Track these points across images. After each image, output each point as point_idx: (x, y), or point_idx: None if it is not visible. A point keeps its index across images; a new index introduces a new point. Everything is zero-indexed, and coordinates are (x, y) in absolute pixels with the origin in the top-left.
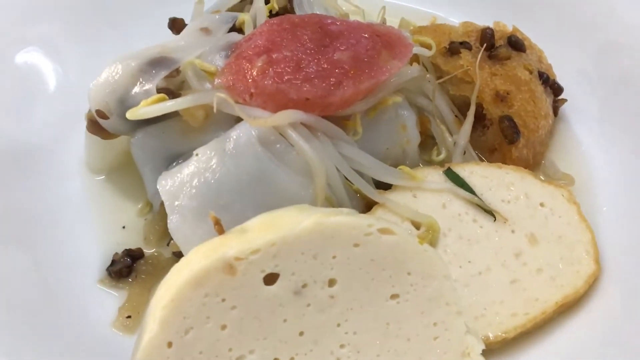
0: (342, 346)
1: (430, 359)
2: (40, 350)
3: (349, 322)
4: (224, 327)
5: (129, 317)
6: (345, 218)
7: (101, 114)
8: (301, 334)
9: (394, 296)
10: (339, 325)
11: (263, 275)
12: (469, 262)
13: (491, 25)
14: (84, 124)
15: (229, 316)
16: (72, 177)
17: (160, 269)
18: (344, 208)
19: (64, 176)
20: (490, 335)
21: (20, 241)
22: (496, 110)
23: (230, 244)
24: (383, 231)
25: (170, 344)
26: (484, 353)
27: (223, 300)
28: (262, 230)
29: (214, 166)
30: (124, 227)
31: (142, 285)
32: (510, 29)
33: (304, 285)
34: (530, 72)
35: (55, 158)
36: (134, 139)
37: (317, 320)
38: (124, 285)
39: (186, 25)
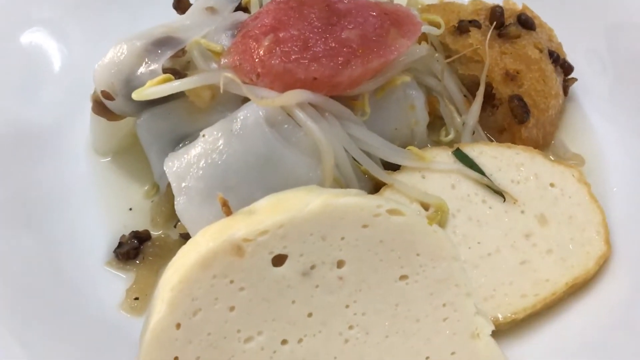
0: (350, 327)
1: (439, 340)
2: (49, 331)
3: (358, 303)
4: (232, 308)
5: (136, 298)
6: (354, 199)
7: (107, 94)
8: (310, 315)
9: (403, 277)
10: (347, 306)
11: (271, 256)
12: (479, 243)
13: (501, 4)
14: (89, 105)
15: (237, 298)
16: (78, 159)
17: (168, 250)
18: (352, 189)
19: (70, 158)
20: (500, 316)
21: (28, 223)
22: (506, 89)
23: (238, 226)
24: (392, 212)
25: (178, 325)
26: (494, 334)
27: (231, 281)
28: (270, 212)
29: (221, 147)
30: (130, 209)
31: (150, 267)
32: (520, 7)
33: (313, 267)
34: (541, 51)
35: (61, 140)
36: (140, 120)
37: (326, 301)
38: (132, 267)
39: (191, 5)
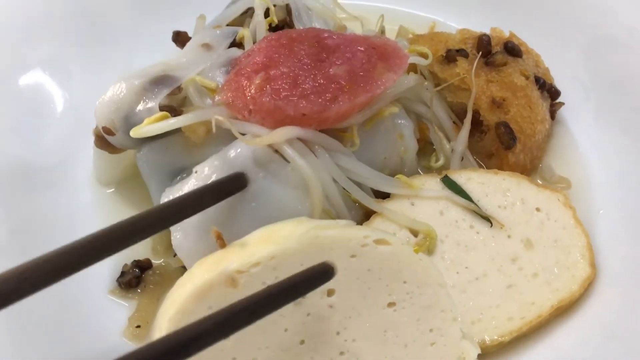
0: (341, 353)
1: None
2: (53, 357)
3: (348, 330)
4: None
5: (138, 326)
6: (342, 230)
7: (107, 130)
8: (302, 342)
9: (390, 304)
10: (338, 333)
11: (264, 287)
12: (466, 267)
13: (488, 32)
14: (91, 139)
15: None
16: (82, 191)
17: (168, 278)
18: (341, 220)
19: (75, 190)
20: (487, 339)
21: (33, 254)
22: (492, 116)
23: (232, 258)
24: (379, 242)
25: None
26: (481, 357)
27: None
28: (261, 244)
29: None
30: None
31: (151, 295)
32: (507, 34)
33: (304, 296)
34: (527, 78)
35: (65, 173)
36: (140, 153)
37: (317, 328)
38: (133, 295)
39: (189, 38)
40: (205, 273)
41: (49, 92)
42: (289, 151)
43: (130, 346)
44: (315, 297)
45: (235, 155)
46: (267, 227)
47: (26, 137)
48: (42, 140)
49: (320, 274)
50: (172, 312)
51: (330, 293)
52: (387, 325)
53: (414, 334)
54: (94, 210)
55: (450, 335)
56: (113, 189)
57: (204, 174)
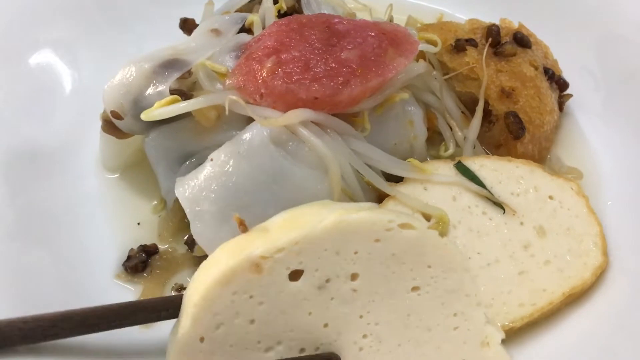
0: (364, 336)
1: (450, 348)
2: (60, 341)
3: (371, 313)
4: (252, 321)
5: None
6: (366, 214)
7: (116, 114)
8: (325, 325)
9: (414, 288)
10: (361, 316)
11: (288, 272)
12: (478, 253)
13: (497, 22)
14: (99, 124)
15: (256, 311)
16: (88, 176)
17: (174, 264)
18: (365, 203)
19: (81, 175)
20: (498, 324)
21: (40, 238)
22: (502, 106)
23: (256, 244)
24: (403, 226)
25: (202, 339)
26: None
27: (251, 297)
28: (285, 229)
29: (230, 169)
30: (138, 224)
31: (157, 280)
32: (516, 25)
33: (328, 280)
34: (536, 68)
35: (71, 158)
36: (148, 138)
37: (341, 312)
38: (140, 279)
39: (197, 25)
40: (230, 259)
41: (58, 75)
42: (304, 132)
43: (136, 330)
44: (339, 282)
45: (252, 138)
46: (289, 211)
47: (34, 120)
48: (49, 124)
49: None
50: (197, 298)
51: (354, 277)
52: (410, 309)
53: (437, 318)
54: (100, 195)
55: (474, 320)
56: (119, 175)
57: (220, 160)
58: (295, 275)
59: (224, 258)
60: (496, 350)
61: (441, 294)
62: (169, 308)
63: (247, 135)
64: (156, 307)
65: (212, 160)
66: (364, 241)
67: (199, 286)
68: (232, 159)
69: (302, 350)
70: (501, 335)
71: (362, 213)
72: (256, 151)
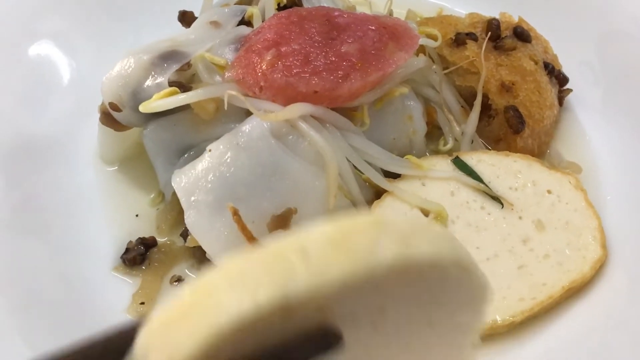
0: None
1: None
2: (57, 335)
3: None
4: None
5: (142, 303)
6: (431, 251)
7: (114, 106)
8: None
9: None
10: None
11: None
12: (477, 248)
13: (497, 16)
14: (96, 116)
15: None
16: (85, 168)
17: (172, 256)
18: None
19: (78, 167)
20: (498, 318)
21: (37, 231)
22: (501, 100)
23: (292, 274)
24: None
25: None
26: (492, 337)
27: (260, 334)
28: (331, 257)
29: (227, 160)
30: (137, 216)
31: (155, 273)
32: (516, 19)
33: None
34: (536, 63)
35: (69, 150)
36: (146, 131)
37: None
38: (138, 272)
39: (196, 18)
40: (247, 294)
41: (56, 66)
42: (304, 126)
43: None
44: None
45: (251, 130)
46: (333, 223)
47: (31, 112)
48: (47, 116)
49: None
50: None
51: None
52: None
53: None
54: (97, 188)
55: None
56: (117, 167)
57: (218, 152)
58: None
59: (231, 294)
60: None
61: (450, 329)
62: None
63: (246, 127)
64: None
65: (210, 151)
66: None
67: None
68: (230, 150)
69: None
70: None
71: (426, 247)
72: (255, 143)
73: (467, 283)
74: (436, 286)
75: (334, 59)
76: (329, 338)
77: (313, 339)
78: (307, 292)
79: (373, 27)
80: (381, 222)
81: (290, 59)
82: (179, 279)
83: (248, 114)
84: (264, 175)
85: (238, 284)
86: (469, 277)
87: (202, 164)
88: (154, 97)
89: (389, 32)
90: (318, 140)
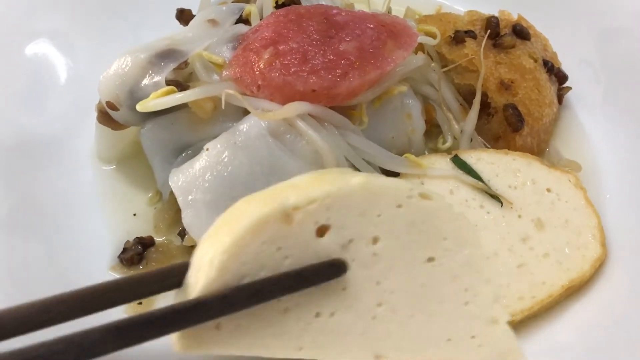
0: (379, 305)
1: (460, 323)
2: (53, 334)
3: (388, 281)
4: None
5: (140, 303)
6: (391, 180)
7: (111, 105)
8: (344, 289)
9: (430, 259)
10: (378, 283)
11: (316, 227)
12: None
13: (496, 14)
14: (94, 115)
15: (281, 266)
16: (83, 167)
17: (170, 256)
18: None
19: (76, 166)
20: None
21: (34, 230)
22: (500, 98)
23: (287, 193)
24: (423, 196)
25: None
26: None
27: (278, 249)
28: (315, 184)
29: (225, 159)
30: (135, 215)
31: None
32: (515, 17)
33: (351, 241)
34: (535, 61)
35: (66, 149)
36: (144, 129)
37: (360, 276)
38: (135, 272)
39: (194, 16)
40: (262, 207)
41: (53, 65)
42: (302, 125)
43: None
44: (361, 244)
45: (249, 129)
46: (313, 172)
47: (29, 111)
48: (44, 115)
49: (333, 269)
50: (227, 245)
51: (375, 241)
52: (425, 279)
53: (450, 291)
54: (95, 187)
55: (483, 297)
56: (114, 167)
57: (216, 151)
58: (321, 231)
59: (253, 207)
60: (504, 329)
61: (454, 267)
62: (175, 275)
63: (244, 126)
64: (159, 276)
65: (207, 150)
66: (387, 205)
67: (227, 234)
68: (228, 150)
69: (318, 314)
70: (507, 316)
71: (387, 178)
72: (253, 142)
73: (439, 215)
74: (412, 214)
75: (332, 57)
76: (337, 266)
77: (323, 265)
78: (296, 205)
79: (371, 25)
80: (348, 170)
81: (288, 58)
82: None
83: (246, 112)
84: (262, 174)
85: (254, 202)
86: (440, 208)
87: (200, 162)
88: (151, 96)
89: (387, 30)
90: (316, 139)
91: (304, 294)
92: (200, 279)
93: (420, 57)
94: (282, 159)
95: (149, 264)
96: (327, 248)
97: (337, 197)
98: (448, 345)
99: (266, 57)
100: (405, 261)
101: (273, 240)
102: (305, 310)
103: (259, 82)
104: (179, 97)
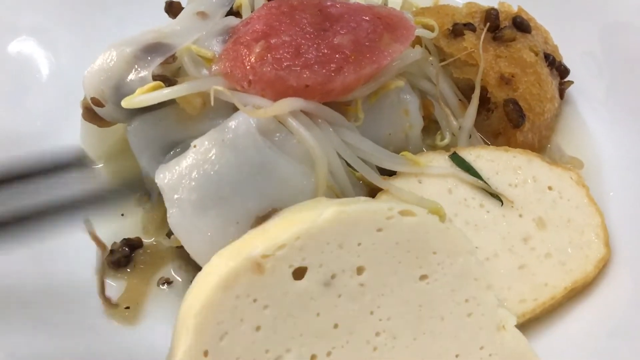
0: (377, 334)
1: (467, 336)
2: (38, 340)
3: (382, 308)
4: (258, 328)
5: (127, 307)
6: (365, 204)
7: (96, 101)
8: (336, 326)
9: (423, 277)
10: (372, 312)
11: (291, 270)
12: (476, 247)
13: (496, 6)
14: (79, 111)
15: (262, 316)
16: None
17: (159, 258)
18: (360, 197)
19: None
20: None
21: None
22: (501, 93)
23: (255, 243)
24: (404, 213)
25: (206, 353)
26: None
27: (254, 300)
28: (283, 226)
29: (213, 157)
30: (122, 215)
31: (141, 276)
32: (515, 9)
33: (333, 276)
34: (536, 54)
35: (51, 147)
36: (130, 127)
37: (350, 310)
38: (123, 275)
39: (182, 8)
40: (229, 261)
41: (36, 60)
42: (293, 123)
43: (120, 328)
44: (345, 277)
45: (237, 126)
46: (284, 210)
47: (12, 108)
48: (28, 113)
49: None
50: (198, 307)
51: (360, 271)
52: (421, 299)
53: (449, 305)
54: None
55: (487, 304)
56: (102, 165)
57: (203, 148)
58: (299, 273)
59: (222, 262)
60: (513, 333)
61: (450, 280)
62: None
63: (232, 123)
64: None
65: (195, 147)
66: (366, 231)
67: (197, 295)
68: (215, 147)
69: (314, 356)
70: (514, 318)
71: (361, 204)
72: (241, 140)
73: (424, 229)
74: (395, 235)
75: (326, 51)
76: None
77: None
78: (264, 253)
79: (367, 18)
80: (322, 200)
81: (281, 52)
82: (167, 281)
83: (237, 108)
84: (250, 174)
85: (223, 256)
86: (424, 223)
87: (187, 160)
88: (137, 91)
89: (383, 23)
90: (308, 138)
91: (292, 337)
92: (180, 345)
93: (418, 51)
94: (272, 158)
95: (137, 267)
96: (307, 289)
97: (309, 235)
98: None
99: (257, 51)
100: (396, 285)
101: (247, 293)
102: (298, 355)
103: (250, 77)
104: (166, 93)
